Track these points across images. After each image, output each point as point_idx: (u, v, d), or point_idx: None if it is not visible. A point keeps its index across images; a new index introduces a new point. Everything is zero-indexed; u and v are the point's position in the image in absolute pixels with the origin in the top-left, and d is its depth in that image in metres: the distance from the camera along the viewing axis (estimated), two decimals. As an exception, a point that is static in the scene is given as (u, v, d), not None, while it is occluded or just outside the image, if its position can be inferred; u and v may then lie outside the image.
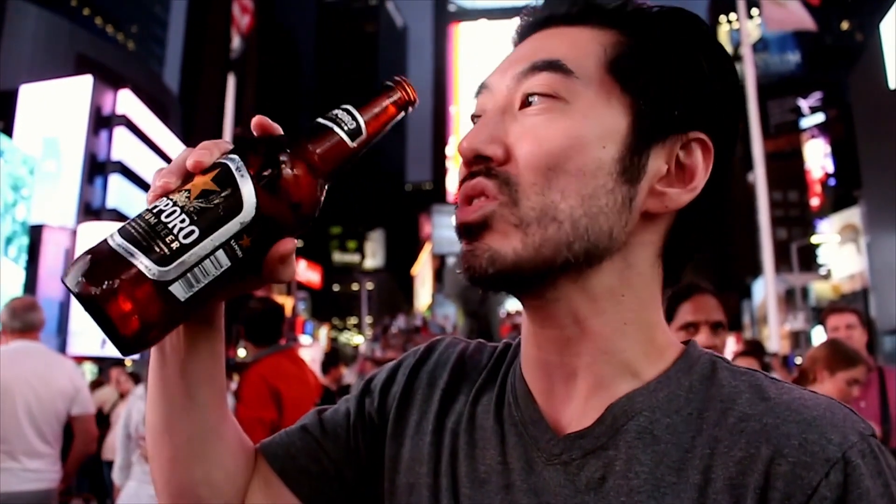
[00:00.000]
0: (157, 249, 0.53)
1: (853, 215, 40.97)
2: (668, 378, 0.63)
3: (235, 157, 0.57)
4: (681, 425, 0.60)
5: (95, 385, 8.40)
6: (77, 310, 28.98)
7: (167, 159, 37.20)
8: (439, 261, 51.84)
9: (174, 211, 0.54)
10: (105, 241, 0.55)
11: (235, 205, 0.55)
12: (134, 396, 3.08)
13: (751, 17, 10.77)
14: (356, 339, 69.07)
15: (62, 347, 28.09)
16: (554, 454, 0.63)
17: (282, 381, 3.03)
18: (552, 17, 0.67)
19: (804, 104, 53.99)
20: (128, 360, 27.85)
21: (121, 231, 0.54)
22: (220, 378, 0.71)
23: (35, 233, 26.72)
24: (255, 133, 0.61)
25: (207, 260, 0.54)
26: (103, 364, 22.02)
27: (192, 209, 0.54)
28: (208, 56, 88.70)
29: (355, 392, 0.81)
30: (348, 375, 9.61)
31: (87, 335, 28.16)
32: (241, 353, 11.59)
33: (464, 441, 0.70)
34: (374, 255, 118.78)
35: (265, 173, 0.57)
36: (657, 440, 0.60)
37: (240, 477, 0.74)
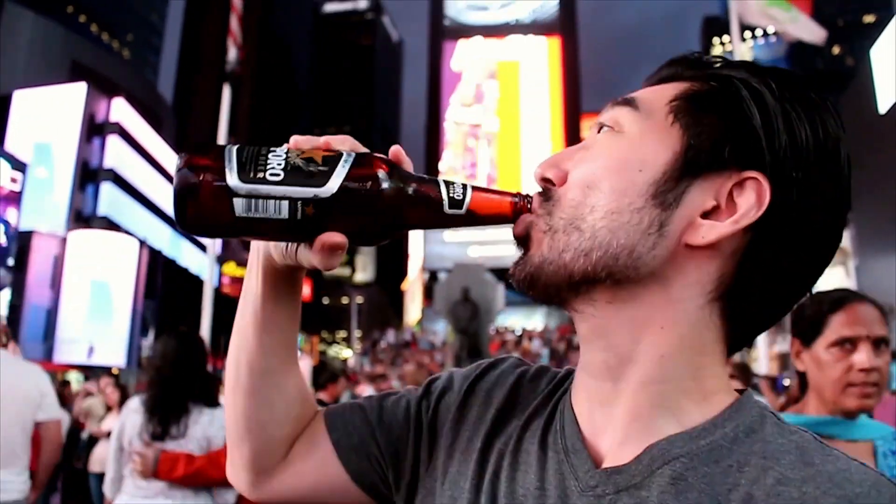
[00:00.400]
0: (247, 169, 0.61)
1: (842, 238, 41.11)
2: (714, 426, 0.62)
3: (354, 154, 0.64)
4: (718, 476, 0.59)
5: (84, 395, 8.27)
6: (65, 317, 28.89)
7: (159, 168, 36.99)
8: (430, 276, 51.71)
9: (280, 157, 0.62)
10: (225, 145, 0.63)
11: (322, 180, 0.61)
12: (128, 409, 3.03)
13: (744, 39, 10.80)
14: (345, 353, 68.71)
15: (49, 354, 27.87)
16: (589, 486, 0.64)
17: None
18: (660, 80, 0.71)
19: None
20: (115, 369, 27.40)
21: (238, 146, 0.63)
22: (290, 334, 0.81)
23: (24, 239, 26.54)
24: (389, 155, 0.67)
25: (273, 201, 0.61)
26: (90, 373, 21.80)
27: (291, 162, 0.62)
28: (204, 66, 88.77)
29: (417, 393, 0.84)
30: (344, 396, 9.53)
31: (74, 343, 27.96)
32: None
33: (507, 462, 0.71)
34: (364, 269, 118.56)
35: (366, 173, 0.63)
36: (690, 488, 0.59)
37: (291, 421, 0.83)
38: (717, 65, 0.67)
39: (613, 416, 0.66)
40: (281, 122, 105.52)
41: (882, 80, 31.79)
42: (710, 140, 0.63)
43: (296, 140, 0.67)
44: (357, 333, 63.58)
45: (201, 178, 0.61)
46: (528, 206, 0.68)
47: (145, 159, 37.42)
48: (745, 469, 0.58)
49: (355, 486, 0.81)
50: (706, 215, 0.63)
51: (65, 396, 10.02)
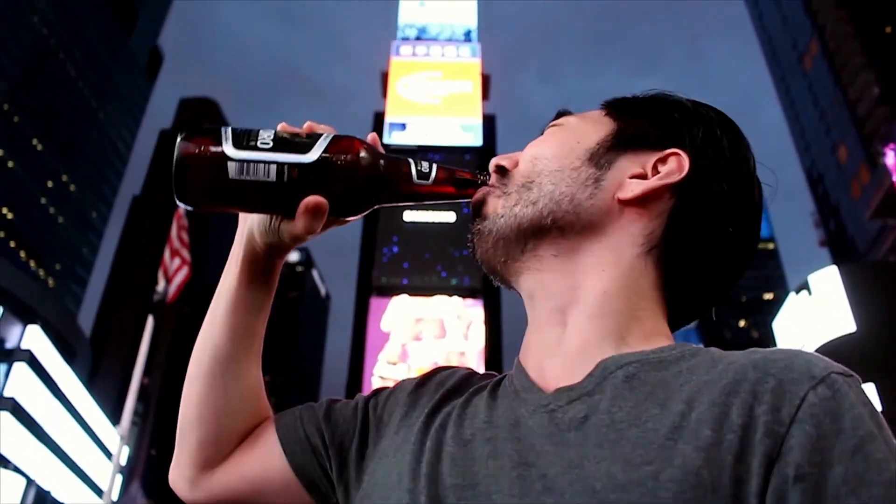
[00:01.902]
0: (241, 140, 0.71)
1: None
2: (661, 350, 0.68)
3: (334, 134, 0.74)
4: (670, 378, 0.64)
5: None
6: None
7: (65, 401, 35.08)
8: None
9: (270, 131, 0.72)
10: (221, 126, 0.73)
11: (305, 149, 0.71)
12: None
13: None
14: None
15: None
16: (540, 405, 0.68)
17: None
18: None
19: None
20: None
21: (232, 127, 0.73)
22: (258, 323, 0.86)
23: None
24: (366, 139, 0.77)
25: (263, 165, 0.70)
26: None
27: (279, 135, 0.72)
28: (127, 302, 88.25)
29: (366, 395, 0.88)
30: None
31: None
32: None
33: (455, 415, 0.73)
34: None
35: (341, 150, 0.73)
36: (643, 384, 0.64)
37: (243, 415, 0.87)
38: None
39: (563, 356, 0.71)
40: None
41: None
42: (638, 127, 0.78)
43: (283, 124, 0.76)
44: None
45: (201, 147, 0.70)
46: (487, 180, 0.80)
47: (51, 391, 35.66)
48: (696, 370, 0.63)
49: (297, 480, 0.82)
50: (634, 177, 0.75)
51: None
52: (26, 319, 34.09)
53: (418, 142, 50.16)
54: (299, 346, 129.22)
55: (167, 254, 12.73)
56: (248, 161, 0.70)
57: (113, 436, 36.75)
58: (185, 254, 13.01)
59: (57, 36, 63.86)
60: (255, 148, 0.70)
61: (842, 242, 49.38)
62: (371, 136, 0.77)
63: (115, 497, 19.11)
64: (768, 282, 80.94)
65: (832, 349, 27.81)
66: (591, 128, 0.80)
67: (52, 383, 35.46)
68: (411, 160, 0.77)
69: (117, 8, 73.41)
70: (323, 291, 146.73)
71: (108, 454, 40.36)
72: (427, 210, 49.22)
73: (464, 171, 0.79)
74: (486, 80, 53.59)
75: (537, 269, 0.75)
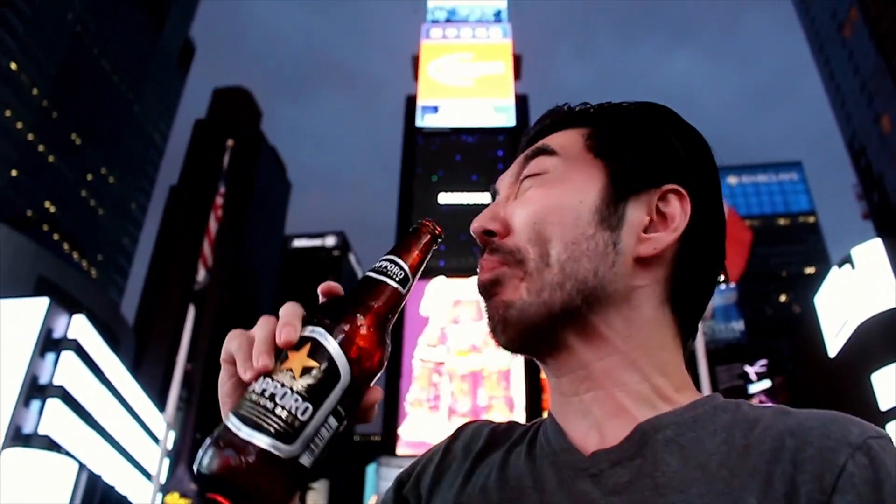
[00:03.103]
0: (283, 430, 0.57)
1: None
2: (693, 406, 0.68)
3: (318, 328, 0.62)
4: (707, 438, 0.64)
5: None
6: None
7: (112, 388, 35.92)
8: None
9: (286, 392, 0.59)
10: (229, 429, 0.59)
11: (335, 375, 0.60)
12: None
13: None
14: None
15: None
16: (581, 468, 0.67)
17: None
18: (542, 131, 0.80)
19: (751, 370, 55.52)
20: None
21: (241, 418, 0.59)
22: None
23: (-46, 457, 25.01)
24: (322, 297, 0.66)
25: (323, 427, 0.60)
26: None
27: (301, 388, 0.59)
28: (170, 287, 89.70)
29: (391, 485, 0.83)
30: None
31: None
32: None
33: (494, 478, 0.72)
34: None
35: (347, 336, 0.62)
36: (683, 448, 0.64)
37: None
38: (593, 108, 0.79)
39: (597, 421, 0.70)
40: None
41: (827, 327, 33.14)
42: (628, 164, 0.73)
43: (265, 366, 0.60)
44: None
45: (258, 474, 0.57)
46: (434, 232, 0.71)
47: (99, 378, 36.53)
48: (733, 430, 0.64)
49: None
50: (646, 230, 0.72)
51: None
52: (72, 310, 34.91)
53: (451, 124, 50.08)
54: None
55: (206, 245, 12.91)
56: (311, 439, 0.59)
57: (159, 421, 37.58)
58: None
59: (91, 33, 64.75)
60: (304, 424, 0.59)
61: (886, 215, 48.33)
62: (323, 288, 0.66)
63: (163, 480, 19.57)
64: (809, 256, 79.34)
65: (875, 324, 27.31)
66: (584, 177, 0.74)
67: (99, 371, 36.32)
68: (383, 278, 0.67)
69: (148, 2, 74.14)
70: (360, 275, 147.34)
71: (155, 439, 41.24)
72: (462, 193, 49.31)
73: (420, 240, 0.71)
74: (517, 60, 53.22)
75: (567, 346, 0.72)
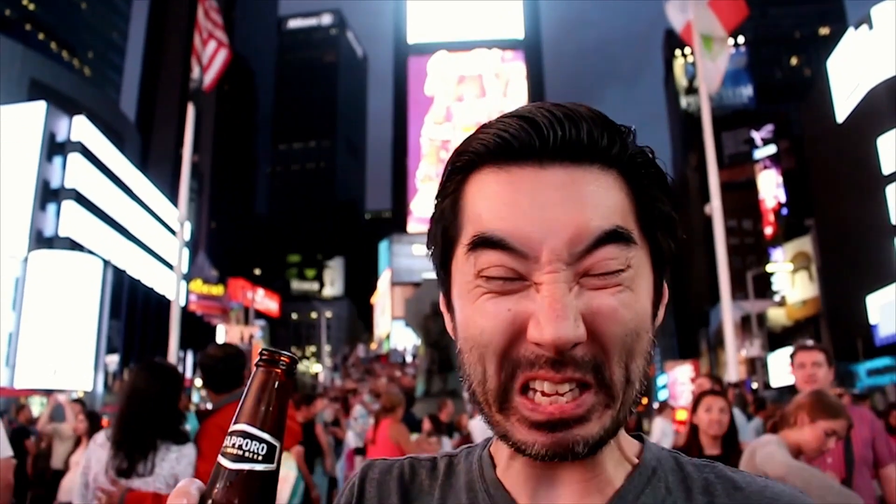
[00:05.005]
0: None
1: (805, 243, 41.95)
2: (644, 481, 0.63)
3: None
4: None
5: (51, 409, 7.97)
6: (27, 340, 28.22)
7: (123, 186, 36.34)
8: (401, 289, 51.77)
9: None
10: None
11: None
12: (94, 444, 2.94)
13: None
14: (315, 368, 68.19)
15: (10, 380, 27.23)
16: None
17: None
18: (569, 148, 0.59)
19: (757, 136, 55.35)
20: (80, 392, 26.75)
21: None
22: None
23: (-17, 262, 26.01)
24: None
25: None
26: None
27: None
28: (167, 84, 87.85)
29: None
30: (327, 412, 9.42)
31: (37, 367, 27.35)
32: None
33: None
34: (332, 284, 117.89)
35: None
36: None
37: None
38: (631, 150, 0.61)
39: (563, 492, 0.63)
40: (244, 138, 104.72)
41: (838, 91, 32.48)
42: (666, 245, 0.63)
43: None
44: (327, 348, 63.09)
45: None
46: (281, 355, 0.56)
47: (109, 178, 36.91)
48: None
49: None
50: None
51: (25, 420, 9.79)
52: (71, 111, 34.46)
53: None
54: (340, 110, 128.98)
55: (197, 40, 12.42)
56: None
57: (173, 213, 38.38)
58: (220, 34, 12.62)
59: None
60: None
61: (910, -36, 45.49)
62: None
63: (184, 269, 20.37)
64: (825, 16, 75.85)
65: (888, 87, 26.74)
66: (648, 271, 0.62)
67: (108, 170, 36.61)
68: (246, 465, 0.52)
69: None
70: (360, 53, 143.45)
71: (172, 231, 42.47)
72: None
73: (272, 388, 0.55)
74: None
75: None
